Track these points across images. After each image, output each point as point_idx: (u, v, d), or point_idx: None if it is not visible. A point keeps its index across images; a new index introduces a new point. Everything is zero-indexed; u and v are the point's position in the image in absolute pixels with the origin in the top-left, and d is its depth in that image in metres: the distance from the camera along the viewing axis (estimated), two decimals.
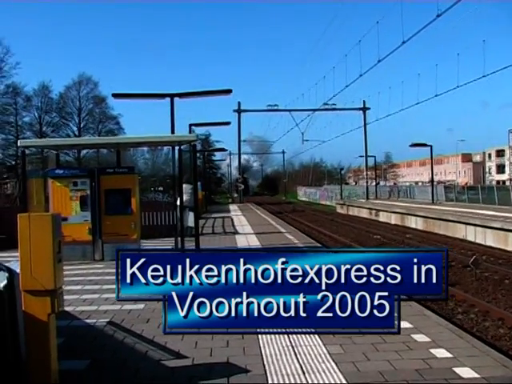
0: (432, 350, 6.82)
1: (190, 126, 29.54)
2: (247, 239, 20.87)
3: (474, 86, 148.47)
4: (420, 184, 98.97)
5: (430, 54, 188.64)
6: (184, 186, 22.03)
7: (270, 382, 5.90)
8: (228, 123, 39.64)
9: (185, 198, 21.08)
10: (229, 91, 21.07)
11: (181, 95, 19.64)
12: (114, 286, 11.42)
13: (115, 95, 20.57)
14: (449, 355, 6.64)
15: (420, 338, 7.37)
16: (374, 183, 74.93)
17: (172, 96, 19.12)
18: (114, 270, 13.65)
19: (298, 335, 7.57)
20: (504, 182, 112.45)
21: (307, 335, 7.57)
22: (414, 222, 37.36)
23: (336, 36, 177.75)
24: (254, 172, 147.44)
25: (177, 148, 18.07)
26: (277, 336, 7.55)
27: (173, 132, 19.02)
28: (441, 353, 6.73)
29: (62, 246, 5.40)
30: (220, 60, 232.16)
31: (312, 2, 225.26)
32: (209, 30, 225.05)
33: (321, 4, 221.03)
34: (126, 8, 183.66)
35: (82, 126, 76.79)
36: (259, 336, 7.56)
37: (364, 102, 64.65)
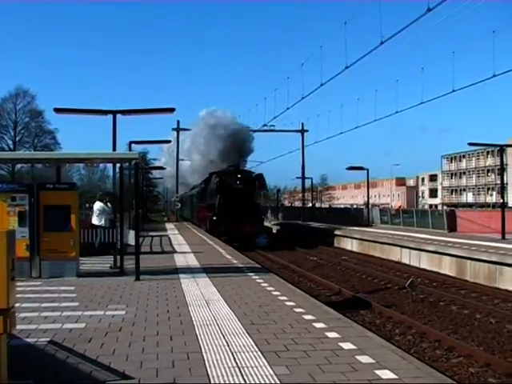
0: (377, 371, 6.89)
1: (130, 143, 29.26)
2: (186, 258, 20.76)
3: (414, 111, 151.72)
4: (355, 206, 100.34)
5: (370, 79, 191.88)
6: (96, 204, 21.62)
7: None
8: (169, 141, 39.69)
9: (96, 218, 20.63)
10: (172, 110, 21.02)
11: (123, 112, 19.49)
12: (53, 304, 11.33)
13: (57, 110, 20.21)
14: (394, 376, 6.73)
15: (364, 359, 7.44)
16: (310, 205, 75.54)
17: (115, 113, 18.94)
18: (53, 288, 13.46)
19: (244, 356, 7.59)
20: (436, 205, 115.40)
21: (253, 356, 7.60)
22: (350, 244, 37.84)
23: (278, 58, 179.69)
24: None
25: (118, 165, 17.90)
26: (222, 357, 7.55)
27: (114, 149, 18.84)
28: (386, 374, 6.80)
29: (15, 264, 5.28)
30: (161, 81, 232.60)
31: (254, 25, 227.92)
32: (151, 48, 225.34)
33: (263, 26, 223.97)
34: (66, 22, 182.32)
35: (17, 139, 75.41)
36: (204, 357, 7.55)
37: (302, 124, 64.98)
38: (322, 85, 34.62)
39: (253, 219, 36.95)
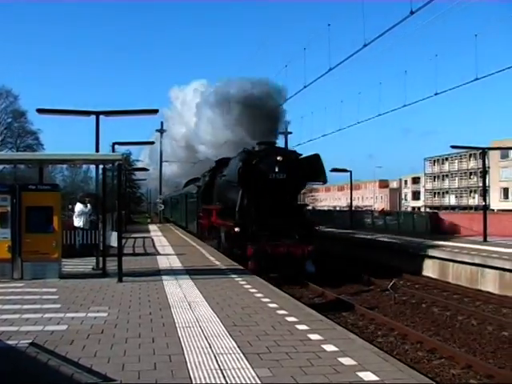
0: (359, 373, 6.92)
1: (114, 144, 29.11)
2: (169, 260, 20.70)
3: (397, 113, 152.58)
4: (338, 208, 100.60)
5: (353, 81, 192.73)
6: (77, 205, 21.68)
7: None
8: (152, 143, 39.49)
9: (76, 219, 20.85)
10: (155, 111, 20.95)
11: (106, 113, 19.35)
12: (34, 306, 11.27)
13: (39, 110, 20.03)
14: (376, 378, 6.75)
15: (347, 361, 7.46)
16: None
17: (97, 114, 18.81)
18: (35, 290, 13.37)
19: (226, 358, 7.59)
20: (419, 208, 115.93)
21: (235, 358, 7.59)
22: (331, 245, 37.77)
23: (261, 59, 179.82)
24: None
25: (101, 167, 17.82)
26: (204, 359, 7.54)
27: (97, 150, 18.73)
28: (368, 376, 6.83)
29: None
30: (142, 80, 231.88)
31: (238, 26, 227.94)
32: (133, 47, 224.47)
33: (246, 28, 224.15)
34: (48, 21, 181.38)
35: None
36: (187, 359, 7.53)
37: (286, 126, 64.83)
38: (305, 87, 34.53)
39: (302, 232, 22.32)
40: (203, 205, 31.40)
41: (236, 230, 21.80)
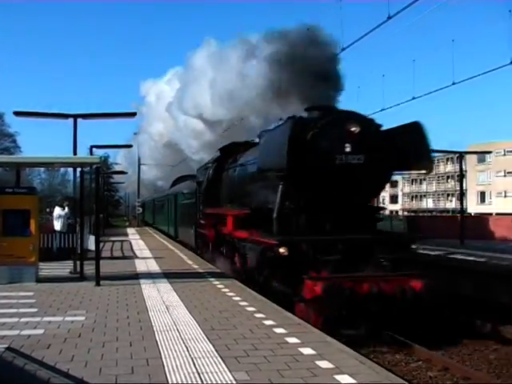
0: (336, 376, 6.94)
1: (91, 147, 28.89)
2: (147, 264, 20.63)
3: (375, 117, 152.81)
4: None
5: None
6: (56, 208, 21.72)
7: None
8: (130, 146, 39.33)
9: (55, 223, 20.94)
10: (133, 114, 20.92)
11: (84, 116, 19.21)
12: (10, 311, 11.18)
13: (17, 113, 19.85)
14: (353, 381, 6.77)
15: (324, 364, 7.48)
16: None
17: (75, 117, 18.66)
18: (11, 294, 13.26)
19: (204, 362, 7.58)
20: (397, 211, 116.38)
21: (213, 362, 7.59)
22: None
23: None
24: None
25: (78, 170, 17.73)
26: (182, 362, 7.53)
27: (75, 153, 18.60)
28: (345, 379, 6.84)
29: None
30: (126, 77, 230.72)
31: (221, 30, 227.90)
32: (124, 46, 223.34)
33: (224, 30, 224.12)
34: (26, 20, 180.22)
35: None
36: (164, 362, 7.52)
37: None
38: None
39: (392, 255, 13.02)
40: (205, 208, 22.29)
41: (282, 251, 12.35)
